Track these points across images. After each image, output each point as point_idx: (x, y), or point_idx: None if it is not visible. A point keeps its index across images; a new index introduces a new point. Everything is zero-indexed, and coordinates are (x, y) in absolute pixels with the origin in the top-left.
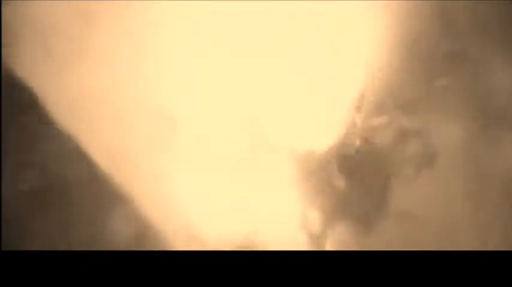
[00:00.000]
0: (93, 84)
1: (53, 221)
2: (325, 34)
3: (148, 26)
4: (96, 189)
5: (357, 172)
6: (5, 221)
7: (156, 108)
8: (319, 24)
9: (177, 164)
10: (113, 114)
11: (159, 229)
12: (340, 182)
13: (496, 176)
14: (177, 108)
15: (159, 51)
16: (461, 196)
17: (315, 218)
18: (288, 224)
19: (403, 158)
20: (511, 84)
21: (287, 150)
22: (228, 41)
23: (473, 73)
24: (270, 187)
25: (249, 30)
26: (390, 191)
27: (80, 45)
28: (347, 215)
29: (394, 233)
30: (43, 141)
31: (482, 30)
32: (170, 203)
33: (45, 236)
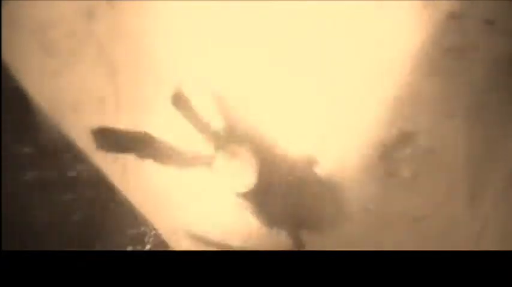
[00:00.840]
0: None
1: None
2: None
3: (149, 24)
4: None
5: None
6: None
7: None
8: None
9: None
10: (114, 113)
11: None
12: None
13: None
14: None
15: (161, 50)
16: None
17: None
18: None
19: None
20: None
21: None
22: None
23: None
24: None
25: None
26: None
27: (81, 42)
28: None
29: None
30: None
31: None
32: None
33: None
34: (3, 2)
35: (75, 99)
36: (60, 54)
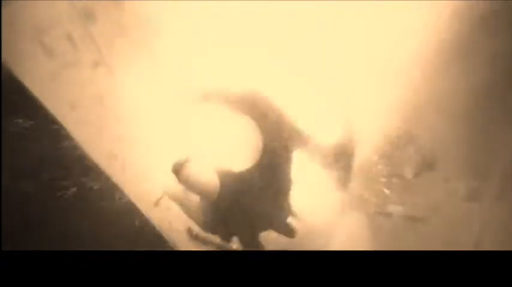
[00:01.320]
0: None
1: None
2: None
3: (150, 24)
4: None
5: None
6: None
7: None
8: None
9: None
10: (113, 114)
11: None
12: None
13: None
14: (178, 108)
15: (160, 51)
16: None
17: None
18: None
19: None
20: None
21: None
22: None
23: None
24: None
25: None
26: None
27: (81, 42)
28: None
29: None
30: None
31: None
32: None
33: None
34: (3, 2)
35: (75, 98)
36: (60, 54)
